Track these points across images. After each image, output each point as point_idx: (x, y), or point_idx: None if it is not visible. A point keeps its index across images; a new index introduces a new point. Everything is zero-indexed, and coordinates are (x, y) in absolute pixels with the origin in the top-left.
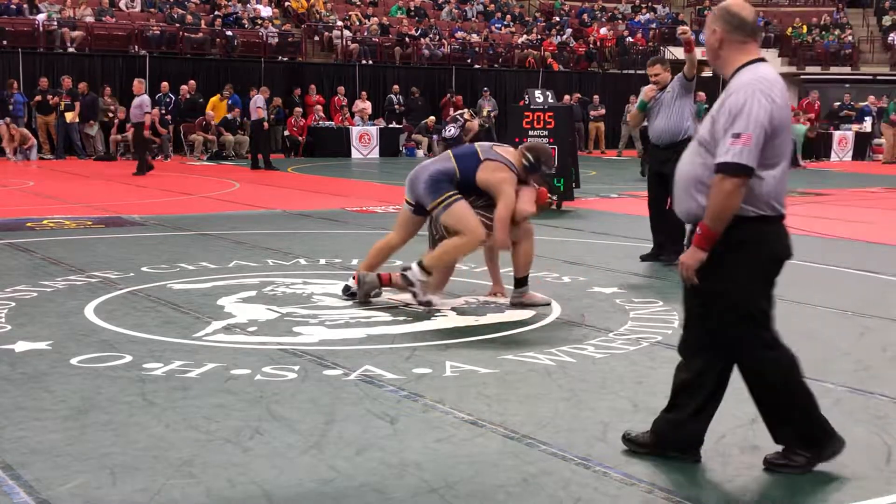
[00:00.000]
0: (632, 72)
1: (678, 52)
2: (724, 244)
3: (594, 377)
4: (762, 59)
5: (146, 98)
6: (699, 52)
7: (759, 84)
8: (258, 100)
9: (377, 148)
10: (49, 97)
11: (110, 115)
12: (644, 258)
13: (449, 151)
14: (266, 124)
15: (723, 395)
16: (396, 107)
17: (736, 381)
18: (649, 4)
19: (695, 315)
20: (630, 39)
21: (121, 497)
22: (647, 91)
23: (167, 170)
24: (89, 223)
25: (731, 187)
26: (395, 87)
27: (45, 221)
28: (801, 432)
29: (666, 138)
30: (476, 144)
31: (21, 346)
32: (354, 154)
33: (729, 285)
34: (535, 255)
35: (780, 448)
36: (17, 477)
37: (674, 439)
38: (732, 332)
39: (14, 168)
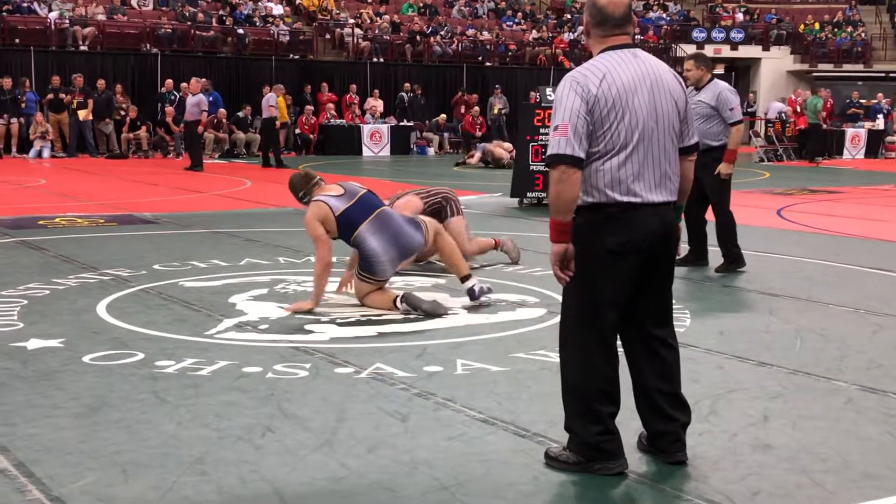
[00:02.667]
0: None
1: (689, 50)
2: (572, 232)
3: None
4: (616, 47)
5: (202, 97)
6: (711, 50)
7: (575, 74)
8: (271, 98)
9: (388, 146)
10: (62, 95)
11: (122, 113)
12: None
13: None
14: (277, 123)
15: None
16: (407, 105)
17: (743, 378)
18: (661, 2)
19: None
20: (641, 37)
21: (133, 495)
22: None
23: (178, 167)
24: (101, 221)
25: (557, 176)
26: (406, 84)
27: (57, 219)
28: (581, 441)
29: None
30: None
31: (33, 344)
32: (365, 152)
33: (573, 277)
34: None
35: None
36: (30, 474)
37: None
38: (564, 323)
39: (26, 166)
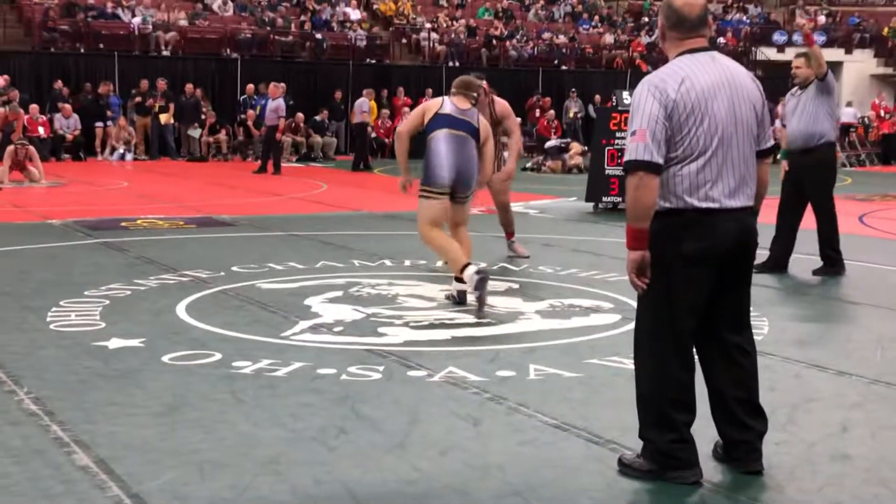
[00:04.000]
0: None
1: (770, 53)
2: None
3: None
4: (694, 50)
5: (281, 102)
6: (791, 53)
7: (653, 78)
8: (364, 103)
9: None
10: (146, 99)
11: (202, 117)
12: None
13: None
14: (369, 128)
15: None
16: None
17: (821, 387)
18: (740, 4)
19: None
20: (721, 40)
21: (209, 493)
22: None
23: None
24: (181, 223)
25: (635, 182)
26: None
27: (138, 221)
28: (655, 449)
29: (799, 142)
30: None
31: (115, 343)
32: None
33: (650, 284)
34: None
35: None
36: (110, 471)
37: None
38: (640, 329)
39: (110, 168)
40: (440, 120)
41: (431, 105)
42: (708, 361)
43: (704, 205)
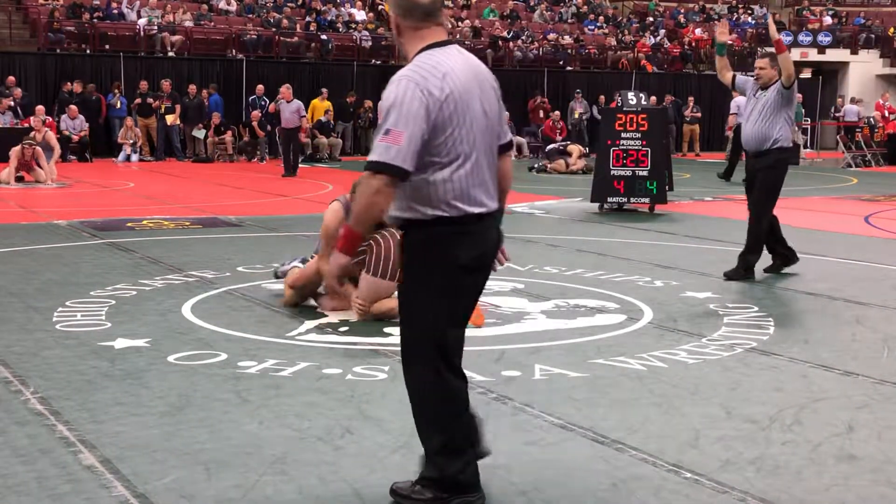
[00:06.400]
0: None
1: None
2: (406, 246)
3: (686, 383)
4: (441, 43)
5: (300, 103)
6: (798, 54)
7: (413, 74)
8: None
9: None
10: (149, 100)
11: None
12: (766, 270)
13: None
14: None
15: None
16: None
17: (828, 387)
18: (746, 5)
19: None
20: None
21: (215, 492)
22: (720, 27)
23: (262, 171)
24: (187, 224)
25: (377, 185)
26: None
27: (144, 221)
28: (436, 473)
29: (753, 145)
30: None
31: (120, 343)
32: None
33: (410, 295)
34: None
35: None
36: (116, 471)
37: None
38: (408, 345)
39: (115, 169)
40: None
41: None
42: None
43: (477, 210)
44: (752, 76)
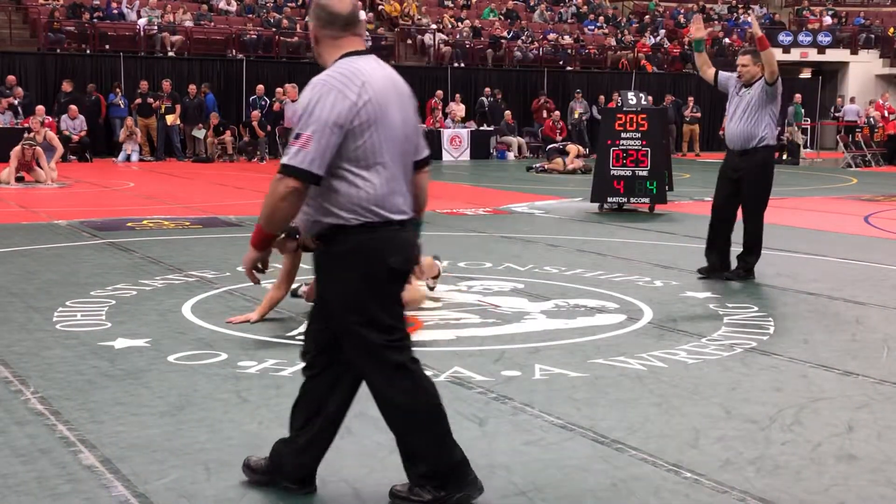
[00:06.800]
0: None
1: (775, 54)
2: (328, 254)
3: (686, 383)
4: (360, 52)
5: None
6: (798, 54)
7: (330, 79)
8: None
9: (468, 150)
10: (150, 100)
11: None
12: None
13: None
14: None
15: (341, 421)
16: (487, 109)
17: (828, 387)
18: (746, 5)
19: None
20: (726, 40)
21: (215, 492)
22: (694, 23)
23: (263, 171)
24: (187, 224)
25: (284, 190)
26: (487, 89)
27: (144, 221)
28: (429, 469)
29: (739, 143)
30: None
31: (120, 343)
32: (445, 157)
33: (339, 301)
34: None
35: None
36: (116, 471)
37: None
38: (353, 353)
39: (115, 169)
40: None
41: None
42: (333, 380)
43: (398, 217)
44: (736, 74)
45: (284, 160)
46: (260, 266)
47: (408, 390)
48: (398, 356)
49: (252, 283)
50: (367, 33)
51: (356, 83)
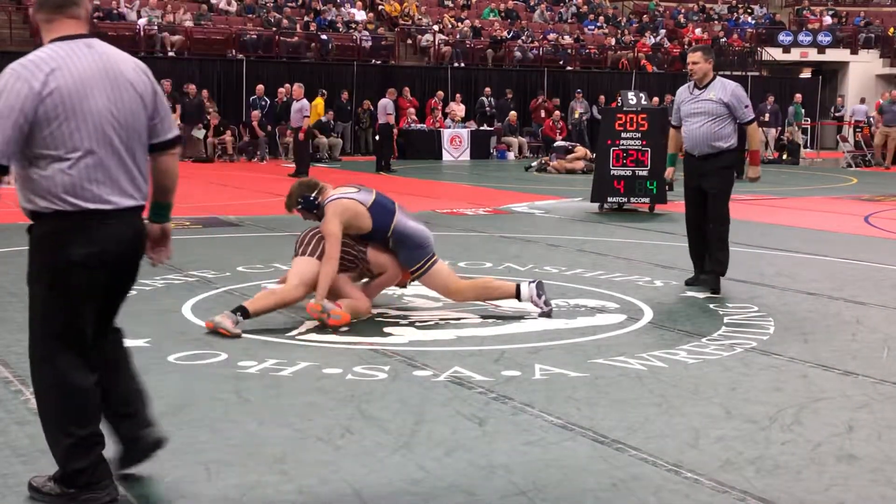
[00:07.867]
0: (728, 73)
1: (775, 54)
2: (29, 240)
3: (686, 383)
4: (71, 37)
5: (306, 102)
6: (798, 54)
7: (18, 66)
8: (389, 105)
9: (468, 150)
10: None
11: (207, 117)
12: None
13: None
14: (395, 130)
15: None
16: (488, 109)
17: (828, 387)
18: (746, 5)
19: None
20: (726, 40)
21: (215, 492)
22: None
23: (263, 171)
24: (187, 223)
25: None
26: (487, 89)
27: (144, 221)
28: (60, 470)
29: (704, 147)
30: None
31: None
32: (445, 157)
33: (33, 291)
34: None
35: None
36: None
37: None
38: (33, 342)
39: None
40: (380, 212)
41: (353, 207)
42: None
43: (93, 206)
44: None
45: None
46: None
47: (61, 388)
48: (66, 353)
49: (239, 281)
50: (368, 32)
51: (44, 70)
